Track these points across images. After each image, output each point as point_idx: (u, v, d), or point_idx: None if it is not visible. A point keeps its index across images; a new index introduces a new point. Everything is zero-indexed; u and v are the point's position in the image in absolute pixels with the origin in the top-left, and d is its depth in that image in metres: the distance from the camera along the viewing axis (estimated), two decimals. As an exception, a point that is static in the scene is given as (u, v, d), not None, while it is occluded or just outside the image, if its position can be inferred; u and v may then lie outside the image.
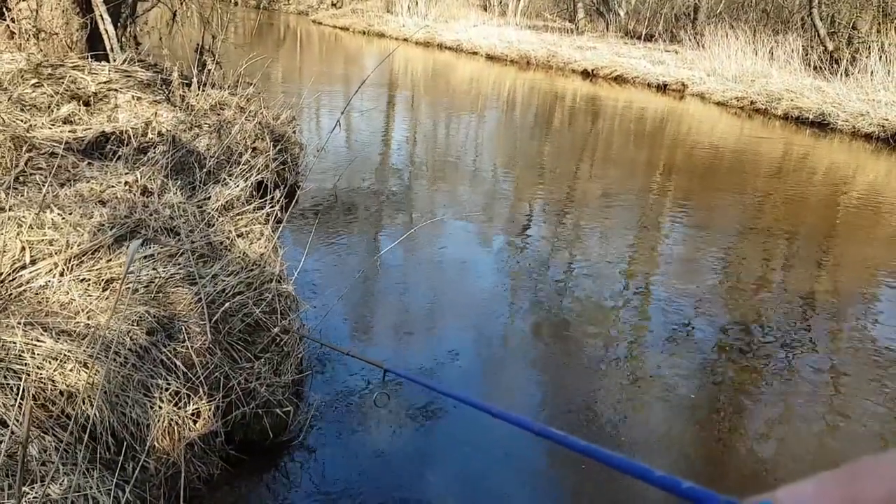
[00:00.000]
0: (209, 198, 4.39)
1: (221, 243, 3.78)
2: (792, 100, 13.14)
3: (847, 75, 13.76)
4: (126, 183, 4.14)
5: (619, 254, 6.00)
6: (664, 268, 5.84)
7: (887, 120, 11.47)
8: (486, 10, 26.16)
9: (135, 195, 4.07)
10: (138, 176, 4.26)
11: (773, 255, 6.39)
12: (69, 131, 4.77)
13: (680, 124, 13.23)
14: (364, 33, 24.05)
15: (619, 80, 16.87)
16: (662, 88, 15.83)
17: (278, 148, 5.95)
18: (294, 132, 7.24)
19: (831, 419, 3.79)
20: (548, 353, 4.32)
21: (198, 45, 7.83)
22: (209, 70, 7.43)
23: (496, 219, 6.82)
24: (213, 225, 3.97)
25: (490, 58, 19.58)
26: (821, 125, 12.34)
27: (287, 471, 3.10)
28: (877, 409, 3.92)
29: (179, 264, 3.47)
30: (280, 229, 4.32)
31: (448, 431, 3.43)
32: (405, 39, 21.35)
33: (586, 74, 17.46)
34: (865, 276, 6.04)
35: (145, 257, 3.53)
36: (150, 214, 3.89)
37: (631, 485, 3.19)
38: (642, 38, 21.49)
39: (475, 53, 20.11)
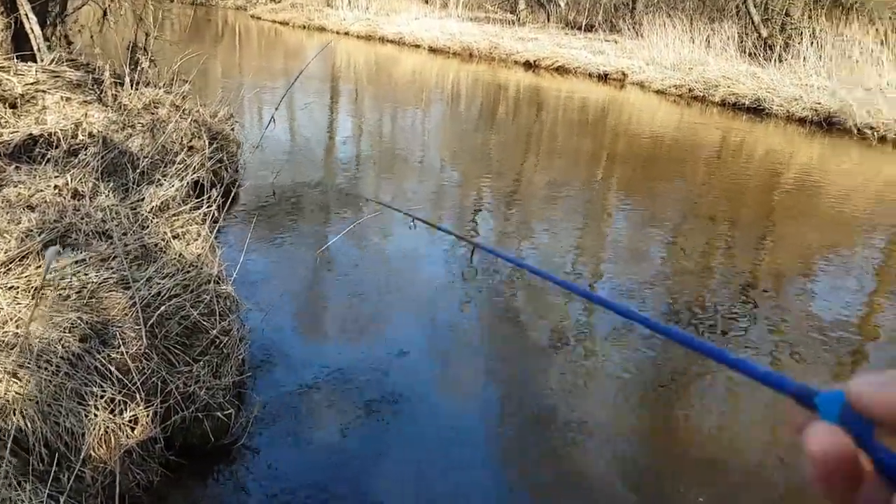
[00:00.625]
0: (143, 199, 4.29)
1: (156, 245, 3.70)
2: (728, 86, 13.39)
3: (781, 61, 14.10)
4: (55, 186, 4.02)
5: (565, 242, 6.06)
6: (611, 255, 5.91)
7: (819, 104, 11.78)
8: (427, 2, 26.10)
9: (65, 199, 3.96)
10: (68, 179, 4.14)
11: (716, 239, 6.52)
12: (-6, 134, 4.61)
13: (621, 113, 13.40)
14: (304, 28, 23.75)
15: (561, 70, 16.99)
16: (603, 78, 16.00)
17: (215, 146, 5.85)
18: (232, 129, 7.12)
19: (776, 397, 3.87)
20: (497, 344, 4.34)
21: (131, 43, 7.64)
22: (143, 68, 7.26)
23: (443, 211, 6.81)
24: (148, 227, 3.88)
25: (433, 50, 19.54)
26: (756, 111, 12.61)
27: (231, 474, 3.05)
28: (819, 383, 4.02)
29: (112, 268, 3.39)
30: (217, 229, 4.24)
31: (395, 427, 3.42)
32: (346, 33, 21.19)
33: (528, 65, 17.55)
34: (804, 255, 6.20)
35: (76, 262, 3.43)
36: (82, 218, 3.79)
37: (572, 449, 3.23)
38: (583, 28, 21.67)
39: (417, 46, 20.05)
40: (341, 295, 4.80)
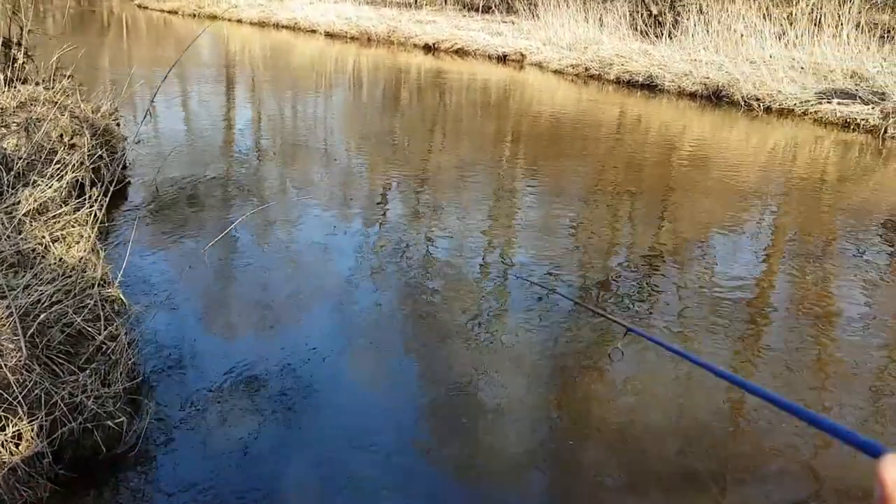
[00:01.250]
0: (18, 202, 4.04)
1: (34, 250, 3.49)
2: (622, 64, 13.71)
3: (671, 38, 14.53)
4: (-82, 192, 3.74)
5: (475, 224, 6.06)
6: (519, 234, 5.95)
7: (708, 78, 12.20)
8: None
9: (-70, 205, 3.69)
10: (-67, 184, 3.86)
11: (618, 215, 6.66)
12: None
13: (522, 94, 13.54)
14: (194, 16, 22.99)
15: (461, 52, 17.03)
16: (502, 59, 16.13)
17: (99, 142, 5.57)
18: (117, 124, 6.81)
19: (681, 363, 3.99)
20: (408, 330, 4.29)
21: (4, 38, 7.21)
22: (18, 64, 6.86)
23: (349, 198, 6.71)
24: (23, 231, 3.65)
25: (329, 35, 19.26)
26: (650, 87, 12.96)
27: (126, 484, 2.91)
28: (720, 350, 4.16)
29: (-15, 277, 3.18)
30: (101, 229, 4.03)
31: (304, 424, 3.34)
32: (239, 20, 20.63)
33: (428, 48, 17.51)
34: (700, 225, 6.41)
35: (-56, 273, 3.20)
36: (-51, 225, 3.54)
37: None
38: (480, 10, 21.78)
39: (314, 31, 19.72)
40: (239, 290, 4.66)
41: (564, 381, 3.84)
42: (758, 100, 11.25)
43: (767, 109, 11.16)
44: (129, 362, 3.23)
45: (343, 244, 5.52)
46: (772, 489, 3.11)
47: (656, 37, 14.84)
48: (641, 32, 15.43)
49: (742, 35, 13.47)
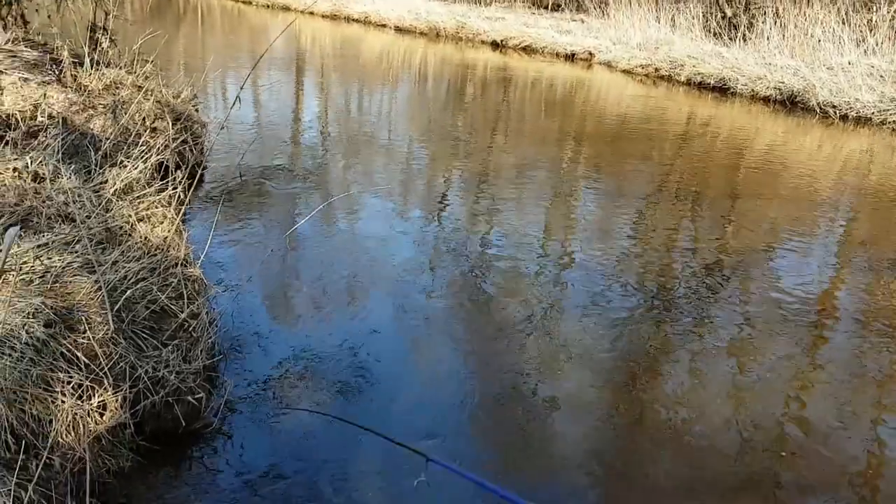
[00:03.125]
0: (106, 181, 4.20)
1: (121, 228, 3.63)
2: (694, 66, 13.47)
3: (745, 41, 14.20)
4: (14, 169, 3.91)
5: (536, 222, 6.07)
6: (580, 234, 5.94)
7: (783, 83, 11.90)
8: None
9: (25, 182, 3.86)
10: (28, 161, 4.04)
11: (683, 218, 6.58)
12: (-51, 116, 4.48)
13: (589, 93, 13.43)
14: (268, 7, 23.36)
15: (528, 50, 16.96)
16: (570, 58, 16.00)
17: (179, 127, 5.74)
18: (196, 110, 7.00)
19: (744, 371, 3.95)
20: (469, 325, 4.33)
21: (90, 22, 7.46)
22: (103, 48, 7.09)
23: (412, 192, 6.79)
24: (112, 210, 3.80)
25: (399, 30, 19.37)
26: (722, 90, 12.71)
27: (202, 458, 3.02)
28: (783, 359, 4.09)
29: (76, 252, 3.32)
30: (183, 211, 4.16)
31: (367, 407, 3.41)
32: (311, 12, 20.90)
33: (496, 45, 17.48)
34: (767, 233, 6.28)
35: (39, 246, 3.35)
36: (43, 201, 3.70)
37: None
38: (549, 7, 21.63)
39: (384, 26, 19.86)
40: (311, 277, 4.76)
41: (623, 376, 3.82)
42: (834, 107, 10.94)
43: (844, 117, 10.84)
44: (209, 340, 3.33)
45: (406, 237, 5.59)
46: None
47: (730, 39, 14.53)
48: (715, 34, 15.13)
49: (819, 40, 13.09)
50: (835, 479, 3.16)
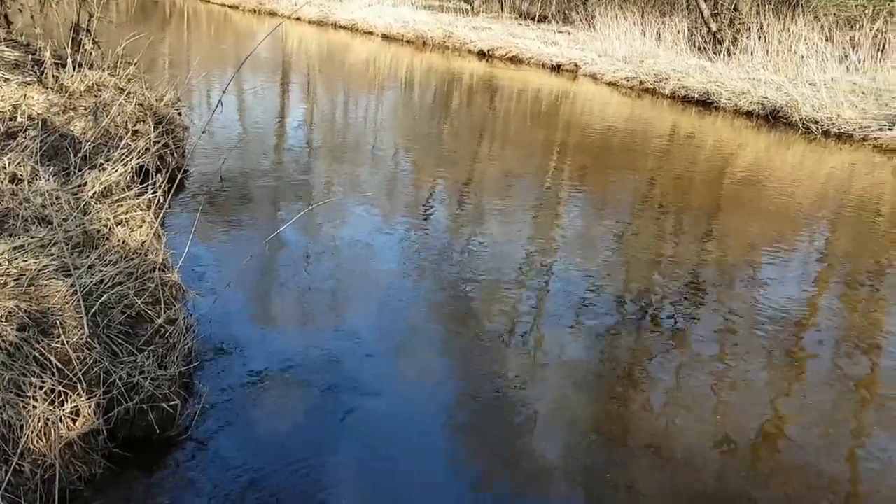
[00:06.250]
0: (85, 184, 4.15)
1: (99, 232, 3.58)
2: (678, 79, 13.56)
3: (729, 55, 14.32)
4: (-8, 170, 3.86)
5: (519, 233, 6.06)
6: (563, 245, 5.94)
7: (766, 98, 12.00)
8: (381, -11, 25.84)
9: (2, 183, 3.81)
10: (6, 162, 3.98)
11: (665, 230, 6.60)
12: (-74, 115, 4.42)
13: (574, 104, 13.48)
14: (255, 12, 23.33)
15: (515, 60, 17.00)
16: (556, 69, 16.06)
17: (161, 130, 5.69)
18: (179, 113, 6.95)
19: (723, 382, 3.95)
20: (452, 334, 4.31)
21: (73, 23, 7.40)
22: (86, 50, 7.03)
23: (395, 199, 6.76)
24: (90, 213, 3.75)
25: (386, 38, 19.38)
26: (705, 104, 12.79)
27: (177, 465, 2.98)
28: (762, 369, 4.10)
29: (52, 255, 3.27)
30: (163, 215, 4.12)
31: (347, 416, 3.38)
32: (298, 18, 20.86)
33: (482, 55, 17.52)
34: (749, 246, 6.31)
35: (14, 248, 3.30)
36: (20, 203, 3.65)
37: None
38: (536, 19, 21.72)
39: (370, 33, 19.85)
40: (292, 283, 4.72)
41: (603, 388, 3.81)
42: (816, 122, 11.03)
43: (826, 133, 10.93)
44: (186, 346, 3.29)
45: (389, 243, 5.58)
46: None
47: (714, 54, 14.64)
48: (699, 49, 15.25)
49: (803, 56, 13.23)
50: (812, 494, 3.16)
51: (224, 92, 4.05)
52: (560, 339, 4.28)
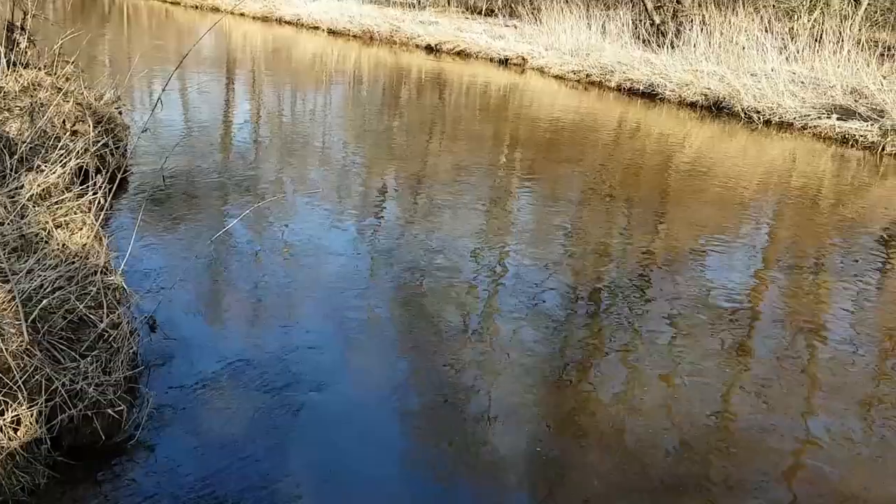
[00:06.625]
0: (22, 187, 4.02)
1: (37, 235, 3.48)
2: (624, 72, 13.73)
3: (673, 48, 14.54)
4: (-79, 173, 3.72)
5: (471, 226, 6.07)
6: (515, 238, 5.96)
7: (709, 89, 12.23)
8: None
9: (-67, 186, 3.67)
10: (-64, 165, 3.84)
11: (615, 221, 6.68)
12: None
13: (522, 98, 13.56)
14: (196, 8, 22.91)
15: (463, 54, 17.03)
16: (504, 63, 16.13)
17: (101, 130, 5.55)
18: (119, 112, 6.79)
19: (674, 370, 4.01)
20: (406, 331, 4.29)
21: (7, 21, 7.18)
22: (21, 48, 6.83)
23: (344, 196, 6.71)
24: (27, 216, 3.64)
25: (332, 33, 19.22)
26: (651, 96, 12.99)
27: (123, 472, 2.91)
28: (711, 357, 4.18)
29: (-12, 260, 3.16)
30: (104, 217, 4.02)
31: (299, 419, 3.34)
32: (241, 14, 20.57)
33: (430, 49, 17.51)
34: (695, 235, 6.43)
35: (-53, 255, 3.19)
36: (-48, 207, 3.52)
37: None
38: (483, 13, 21.79)
39: (317, 28, 19.68)
40: (240, 283, 4.65)
41: (557, 382, 3.84)
42: (758, 112, 11.29)
43: (767, 122, 11.19)
44: (130, 351, 3.22)
45: (340, 241, 5.53)
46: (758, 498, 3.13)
47: (658, 46, 14.85)
48: (644, 41, 15.45)
49: (744, 48, 13.50)
50: (763, 477, 3.23)
51: (164, 90, 3.97)
52: (515, 333, 4.29)
